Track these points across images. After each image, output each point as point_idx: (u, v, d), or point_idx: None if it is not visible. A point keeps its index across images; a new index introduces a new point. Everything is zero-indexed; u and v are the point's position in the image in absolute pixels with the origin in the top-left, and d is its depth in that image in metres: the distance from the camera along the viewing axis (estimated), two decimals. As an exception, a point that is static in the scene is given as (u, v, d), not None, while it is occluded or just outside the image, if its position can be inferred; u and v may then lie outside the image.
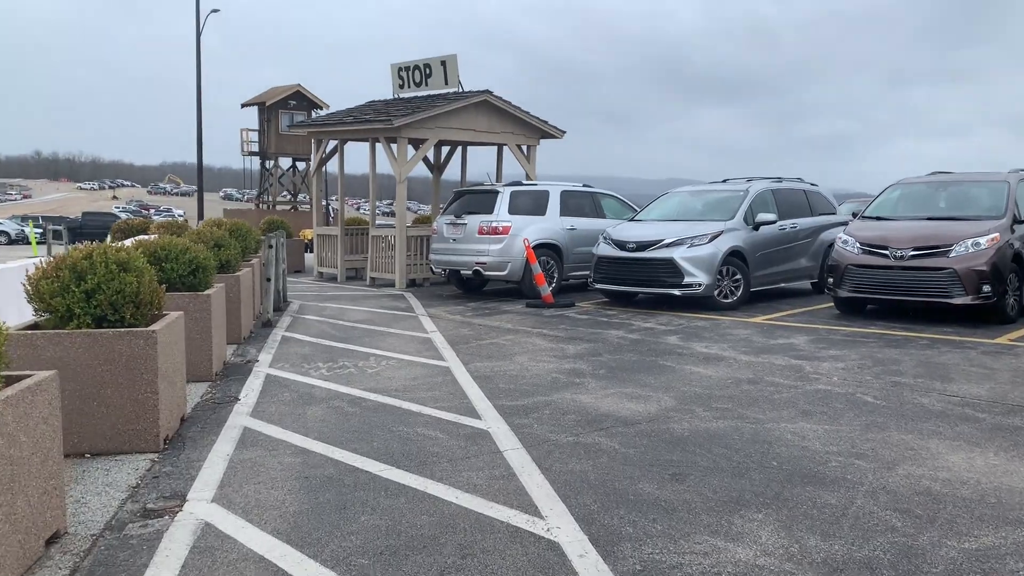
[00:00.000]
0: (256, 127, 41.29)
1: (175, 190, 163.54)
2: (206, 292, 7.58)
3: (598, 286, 12.29)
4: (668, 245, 11.46)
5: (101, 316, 5.41)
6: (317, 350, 9.01)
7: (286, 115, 40.01)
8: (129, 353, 5.26)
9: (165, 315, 6.02)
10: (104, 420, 5.24)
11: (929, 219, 10.56)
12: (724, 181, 13.72)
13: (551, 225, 13.57)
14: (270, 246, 11.06)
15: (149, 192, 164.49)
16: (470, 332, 10.16)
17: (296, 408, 6.39)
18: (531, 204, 13.59)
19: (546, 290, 12.39)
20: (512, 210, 13.20)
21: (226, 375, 7.72)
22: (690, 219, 12.36)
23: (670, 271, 11.37)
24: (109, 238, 18.68)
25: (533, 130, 16.78)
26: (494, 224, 13.02)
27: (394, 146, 15.50)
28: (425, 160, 18.65)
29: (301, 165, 40.06)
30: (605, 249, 12.11)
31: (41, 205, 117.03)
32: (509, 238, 13.03)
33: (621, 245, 11.86)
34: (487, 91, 15.75)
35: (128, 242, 8.39)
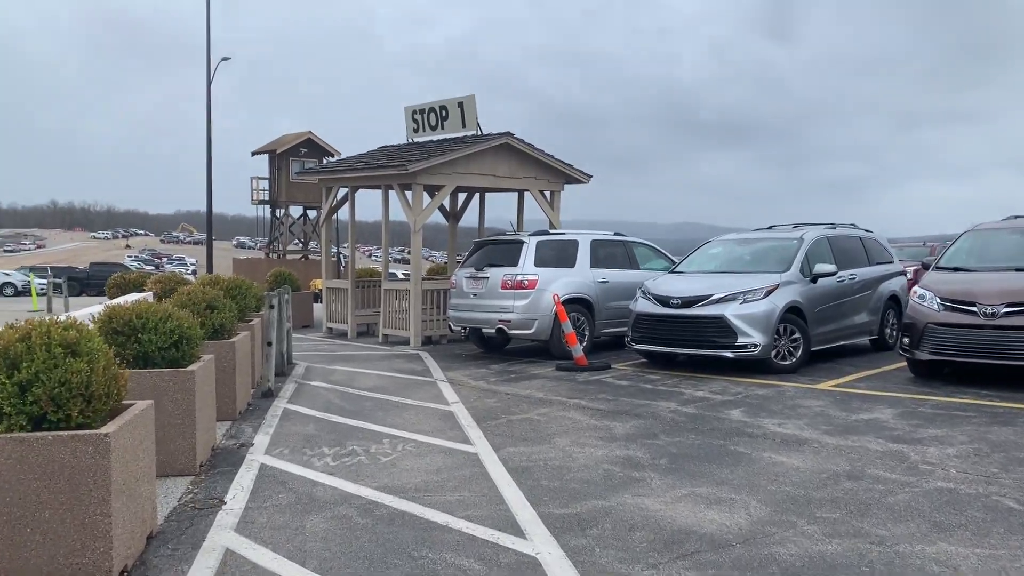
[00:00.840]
0: (267, 175, 40.64)
1: (188, 239, 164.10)
2: (189, 368, 6.36)
3: (637, 347, 11.01)
4: (718, 301, 10.20)
5: (39, 415, 4.19)
6: (323, 428, 7.75)
7: (297, 163, 39.32)
8: (73, 464, 4.05)
9: (129, 406, 4.81)
10: (41, 552, 4.00)
11: (1019, 270, 9.28)
12: (770, 228, 12.52)
13: (581, 278, 12.36)
14: (271, 306, 9.89)
15: (162, 241, 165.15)
16: (497, 403, 8.88)
17: (293, 518, 5.12)
18: (559, 255, 12.40)
19: (579, 351, 11.12)
20: (539, 262, 12.01)
21: (213, 466, 6.46)
22: (739, 271, 11.12)
23: (721, 330, 10.09)
24: (106, 294, 17.59)
25: (557, 175, 15.68)
26: (519, 278, 11.82)
27: (408, 193, 14.42)
28: (441, 208, 17.57)
29: (312, 213, 39.23)
30: (645, 305, 10.86)
31: (54, 255, 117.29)
32: (536, 293, 11.82)
33: (663, 301, 10.62)
34: (508, 133, 14.71)
35: (93, 310, 7.21)
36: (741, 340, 10.01)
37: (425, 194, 15.12)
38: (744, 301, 10.14)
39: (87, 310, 7.49)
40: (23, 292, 46.35)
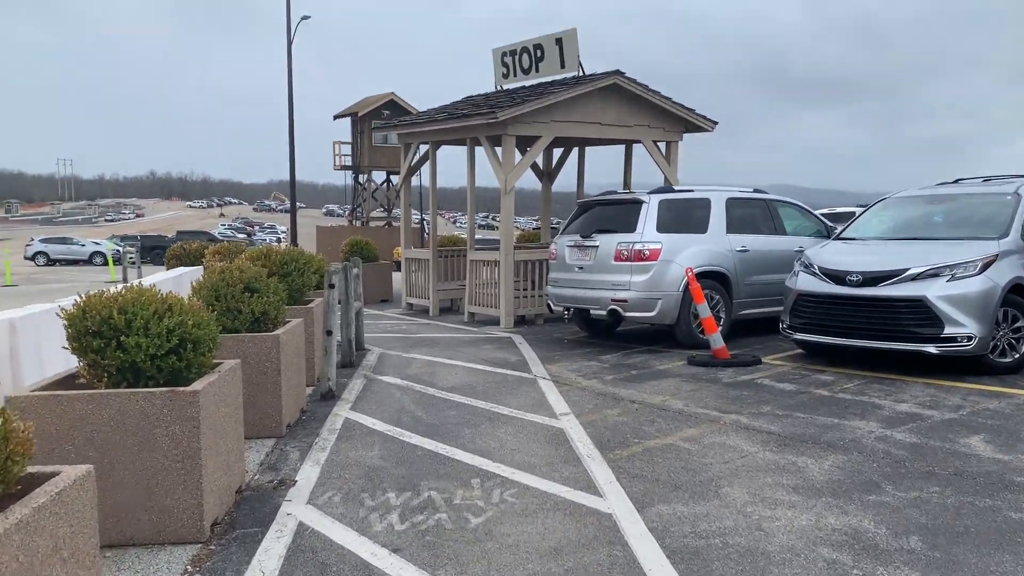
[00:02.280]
0: (349, 139, 39.13)
1: (280, 207, 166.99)
2: (192, 388, 4.32)
3: (799, 336, 8.52)
4: (916, 278, 7.59)
5: None
6: (391, 455, 5.67)
7: (379, 127, 37.66)
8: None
9: (56, 474, 2.80)
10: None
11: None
12: (956, 182, 9.69)
13: (715, 246, 9.89)
14: (331, 285, 7.83)
15: (255, 209, 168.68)
16: (622, 417, 6.62)
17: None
18: (687, 218, 9.95)
19: (719, 341, 8.72)
20: (662, 226, 9.59)
21: (232, 525, 4.45)
22: (931, 237, 8.44)
23: (921, 317, 7.50)
24: (164, 265, 16.12)
25: (675, 121, 13.12)
26: (638, 247, 9.44)
27: (498, 149, 12.17)
28: (533, 166, 15.27)
29: (396, 178, 37.54)
30: (809, 283, 8.34)
31: (152, 224, 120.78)
32: (659, 265, 9.42)
33: (837, 277, 8.07)
34: (617, 72, 12.22)
35: (65, 302, 5.27)
36: (949, 330, 7.40)
37: (516, 152, 12.82)
38: (952, 278, 7.50)
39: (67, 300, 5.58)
40: (116, 261, 46.66)
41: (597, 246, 9.81)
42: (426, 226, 35.65)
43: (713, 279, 9.75)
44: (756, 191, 10.83)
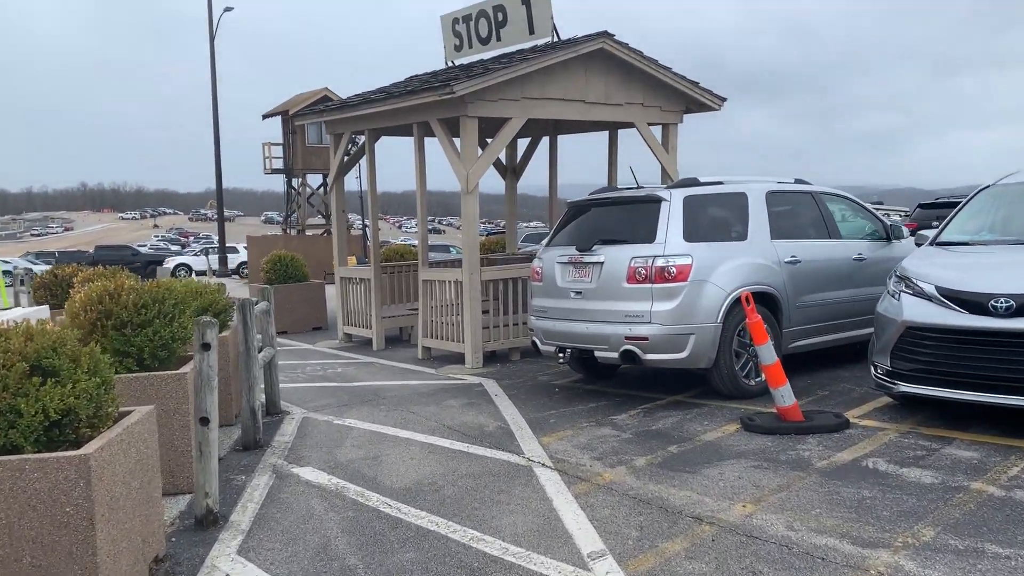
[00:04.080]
0: (280, 141, 35.81)
1: (217, 216, 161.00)
2: None
3: (911, 389, 5.86)
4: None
5: None
6: None
7: (313, 126, 34.45)
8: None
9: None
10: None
11: None
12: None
13: (759, 258, 7.26)
14: (207, 344, 4.87)
15: (191, 219, 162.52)
16: (695, 562, 3.89)
17: None
18: (720, 221, 7.31)
19: (788, 396, 6.06)
20: (690, 234, 6.92)
21: None
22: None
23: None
24: (31, 294, 12.94)
25: (675, 98, 10.49)
26: (661, 263, 6.74)
27: (456, 140, 9.40)
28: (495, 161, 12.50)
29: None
30: (924, 310, 5.72)
31: (82, 237, 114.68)
32: (690, 288, 6.74)
33: (970, 303, 5.48)
34: (605, 33, 9.53)
35: None
36: None
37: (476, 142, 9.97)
38: None
39: None
40: (8, 283, 42.38)
41: (601, 263, 7.08)
42: (368, 235, 32.68)
43: (758, 303, 7.12)
44: (798, 181, 8.22)
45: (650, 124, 10.46)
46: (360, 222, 35.77)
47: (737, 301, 6.90)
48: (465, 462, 5.72)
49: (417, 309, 11.57)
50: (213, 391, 4.87)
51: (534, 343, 7.82)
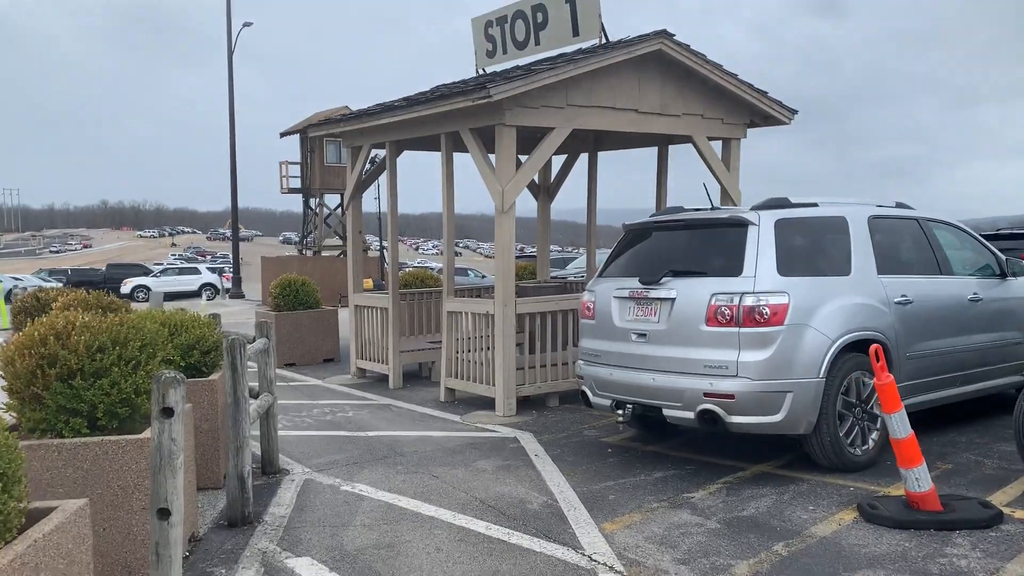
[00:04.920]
0: (297, 159, 34.87)
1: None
2: None
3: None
4: None
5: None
6: None
7: (332, 144, 33.50)
8: None
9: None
10: None
11: None
12: None
13: (866, 297, 5.92)
14: (168, 409, 3.60)
15: (208, 238, 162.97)
16: None
17: None
18: (818, 251, 5.99)
19: (923, 480, 4.70)
20: (785, 266, 5.59)
21: None
22: None
23: None
24: (8, 318, 11.80)
25: (739, 109, 9.22)
26: (751, 302, 5.42)
27: (492, 156, 8.18)
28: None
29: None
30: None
31: (100, 254, 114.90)
32: (787, 333, 5.41)
33: None
34: (663, 32, 8.28)
35: None
36: None
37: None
38: None
39: None
40: (7, 299, 41.50)
41: (672, 299, 5.77)
42: (386, 256, 31.46)
43: (865, 352, 5.78)
44: (899, 205, 6.89)
45: (710, 138, 9.18)
46: (377, 243, 34.65)
47: (843, 351, 5.57)
48: (507, 559, 4.39)
49: (439, 342, 10.30)
50: (176, 473, 3.59)
51: (584, 394, 6.49)
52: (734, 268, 5.59)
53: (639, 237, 6.54)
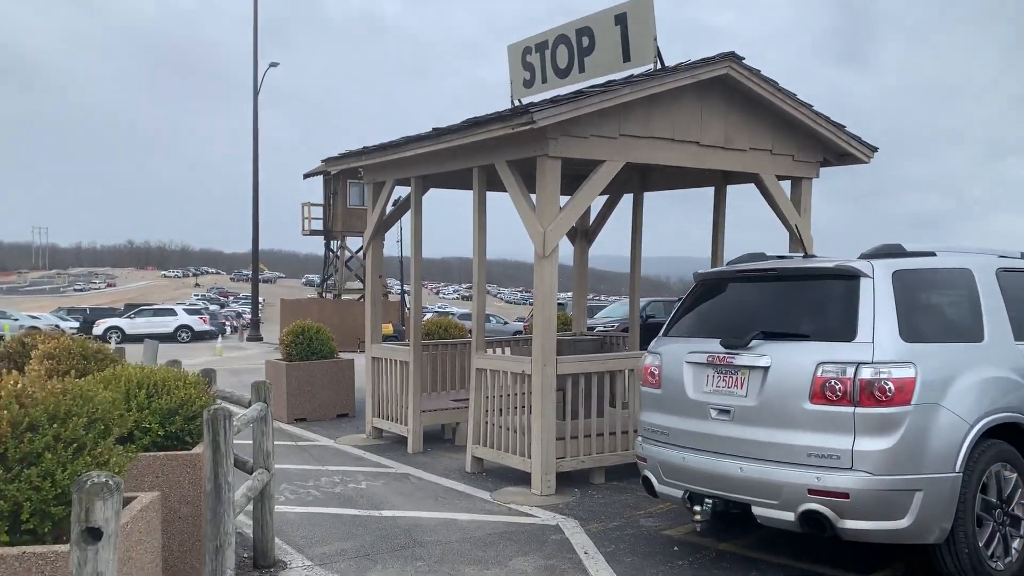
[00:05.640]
0: (320, 201, 34.25)
1: (259, 277, 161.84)
2: None
3: None
4: None
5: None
6: None
7: (356, 186, 32.85)
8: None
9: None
10: None
11: None
12: None
13: (1004, 369, 4.75)
14: (94, 531, 2.52)
15: (232, 279, 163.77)
16: None
17: None
18: (943, 310, 4.86)
19: None
20: (908, 329, 4.44)
21: None
22: None
23: None
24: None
25: (812, 144, 8.15)
26: (870, 373, 4.27)
27: (532, 195, 7.14)
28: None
29: (373, 245, 32.56)
30: None
31: (124, 294, 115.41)
32: (915, 415, 4.25)
33: None
34: (731, 55, 7.26)
35: None
36: None
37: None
38: None
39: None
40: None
41: (764, 368, 4.63)
42: (407, 301, 30.51)
43: (1005, 439, 4.59)
44: (1025, 256, 5.74)
45: (778, 176, 8.11)
46: (398, 287, 33.76)
47: (982, 438, 4.39)
48: None
49: (464, 400, 9.18)
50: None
51: (647, 481, 5.31)
52: (845, 331, 4.45)
53: (715, 289, 5.43)
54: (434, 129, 7.78)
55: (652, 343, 5.55)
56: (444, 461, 8.34)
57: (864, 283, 4.54)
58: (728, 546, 5.45)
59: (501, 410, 7.58)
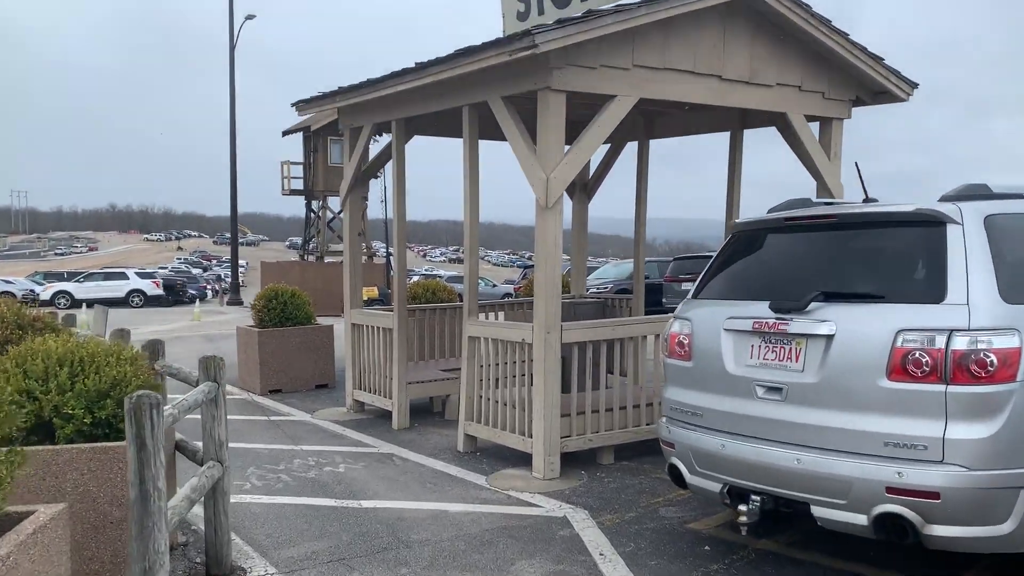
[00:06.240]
0: (300, 160, 33.02)
1: (241, 240, 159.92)
2: None
3: None
4: None
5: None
6: None
7: (337, 143, 31.60)
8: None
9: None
10: None
11: None
12: None
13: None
14: None
15: (215, 243, 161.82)
16: None
17: None
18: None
19: None
20: (1009, 287, 3.57)
21: None
22: None
23: None
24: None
25: (845, 80, 7.22)
26: (965, 342, 3.40)
27: (534, 134, 6.17)
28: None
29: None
30: None
31: (106, 258, 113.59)
32: (1021, 392, 3.38)
33: None
34: (761, -26, 6.29)
35: None
36: None
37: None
38: None
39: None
40: (27, 301, 39.54)
41: (827, 336, 3.75)
42: (392, 263, 29.68)
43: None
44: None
45: (806, 116, 7.17)
46: (383, 249, 32.72)
47: (1097, 421, 3.55)
48: None
49: (454, 370, 8.32)
50: None
51: (674, 469, 4.46)
52: (932, 290, 3.58)
53: (756, 242, 4.53)
54: (417, 63, 6.77)
55: (679, 307, 4.66)
56: (433, 439, 7.49)
57: (952, 231, 3.66)
58: (768, 544, 4.63)
59: (497, 381, 6.71)
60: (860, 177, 4.47)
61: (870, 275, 3.85)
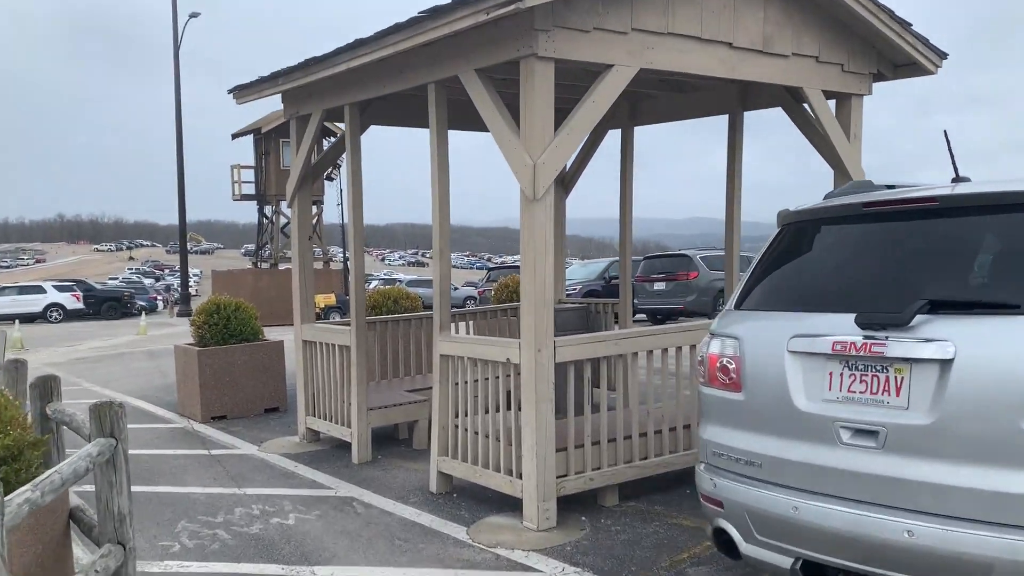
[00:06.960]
0: (251, 163, 31.57)
1: (195, 248, 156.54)
2: None
3: None
4: None
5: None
6: None
7: (288, 145, 30.29)
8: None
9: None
10: None
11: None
12: None
13: None
14: None
15: (168, 251, 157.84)
16: None
17: None
18: None
19: None
20: None
21: None
22: None
23: None
24: None
25: (865, 51, 6.30)
26: None
27: (516, 120, 5.12)
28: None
29: (314, 209, 30.07)
30: None
31: (53, 269, 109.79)
32: None
33: None
34: (781, -81, 5.33)
35: None
36: None
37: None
38: None
39: None
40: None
41: (943, 360, 2.77)
42: (349, 267, 28.25)
43: None
44: None
45: (824, 92, 6.24)
46: (340, 253, 31.42)
47: None
48: None
49: (422, 391, 7.25)
50: None
51: (721, 534, 3.44)
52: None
53: (818, 237, 3.53)
54: (376, 32, 5.67)
55: (717, 321, 3.65)
56: (400, 475, 6.39)
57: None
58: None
59: (476, 407, 5.65)
60: (950, 150, 3.49)
61: (997, 277, 2.88)
